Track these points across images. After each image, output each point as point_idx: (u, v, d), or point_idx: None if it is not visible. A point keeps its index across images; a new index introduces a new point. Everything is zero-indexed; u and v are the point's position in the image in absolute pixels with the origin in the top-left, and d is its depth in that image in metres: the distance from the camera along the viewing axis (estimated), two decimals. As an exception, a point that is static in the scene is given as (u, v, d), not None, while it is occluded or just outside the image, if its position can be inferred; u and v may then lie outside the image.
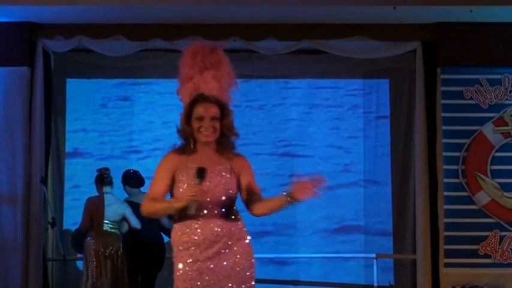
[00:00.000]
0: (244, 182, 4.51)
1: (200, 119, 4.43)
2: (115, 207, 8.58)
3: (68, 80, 9.85)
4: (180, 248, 4.42)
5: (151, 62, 9.13)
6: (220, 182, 4.42)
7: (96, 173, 8.72)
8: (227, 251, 4.43)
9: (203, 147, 4.48)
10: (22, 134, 8.79)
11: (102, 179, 8.64)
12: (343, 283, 9.70)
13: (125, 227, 8.64)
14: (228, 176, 4.45)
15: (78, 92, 9.93)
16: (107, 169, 8.71)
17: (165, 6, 8.42)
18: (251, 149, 9.66)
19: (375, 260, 9.32)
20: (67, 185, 9.69)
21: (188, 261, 4.39)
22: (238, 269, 4.44)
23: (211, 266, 4.39)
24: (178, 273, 4.42)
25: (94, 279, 8.42)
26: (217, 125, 4.45)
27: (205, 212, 4.39)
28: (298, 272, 9.74)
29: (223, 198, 4.41)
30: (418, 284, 8.94)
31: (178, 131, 4.52)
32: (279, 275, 9.68)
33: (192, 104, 4.49)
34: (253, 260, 4.52)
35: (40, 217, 8.81)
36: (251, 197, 4.52)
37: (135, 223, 8.59)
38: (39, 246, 8.79)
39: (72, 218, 9.36)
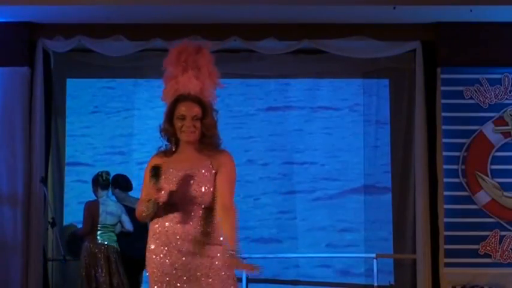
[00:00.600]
0: (217, 182, 4.45)
1: (182, 118, 4.43)
2: (114, 211, 8.69)
3: (68, 79, 9.86)
4: (153, 237, 4.41)
5: (151, 62, 9.10)
6: (194, 179, 4.41)
7: (95, 176, 8.78)
8: (204, 251, 4.39)
9: (185, 147, 4.49)
10: (22, 134, 8.80)
11: (100, 182, 8.71)
12: (343, 283, 9.70)
13: (118, 228, 8.74)
14: (206, 173, 4.43)
15: (78, 91, 9.93)
16: (107, 173, 8.77)
17: (165, 6, 8.44)
18: (247, 153, 9.69)
19: (374, 260, 9.29)
20: (67, 184, 9.71)
21: (162, 254, 4.39)
22: (216, 267, 4.40)
23: (187, 262, 4.37)
24: (152, 267, 4.41)
25: (93, 283, 8.46)
26: (198, 124, 4.44)
27: (182, 206, 4.39)
28: (298, 272, 9.73)
29: (198, 194, 4.39)
30: (418, 283, 8.92)
31: (161, 131, 4.53)
32: (278, 275, 9.69)
33: (174, 103, 4.48)
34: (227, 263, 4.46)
35: (40, 217, 8.81)
36: (217, 200, 4.44)
37: (128, 226, 8.71)
38: (39, 246, 8.80)
39: (72, 218, 9.41)
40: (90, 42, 8.89)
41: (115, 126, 9.93)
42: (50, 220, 8.74)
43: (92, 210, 8.59)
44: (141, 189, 4.52)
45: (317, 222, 9.82)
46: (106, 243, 8.59)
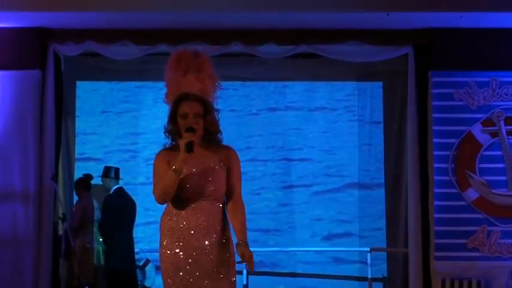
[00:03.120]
0: (229, 179, 4.69)
1: (185, 116, 4.58)
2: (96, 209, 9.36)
3: (78, 82, 10.00)
4: (167, 232, 4.60)
5: (156, 66, 9.04)
6: (206, 174, 4.58)
7: (86, 179, 9.23)
8: (211, 242, 4.58)
9: None
10: (34, 134, 8.82)
11: (89, 185, 9.23)
12: (338, 275, 9.84)
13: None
14: (217, 168, 4.62)
15: (87, 93, 10.10)
16: (91, 176, 9.26)
17: (170, 13, 8.45)
18: (248, 151, 9.93)
19: (369, 253, 9.46)
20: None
21: (176, 249, 4.56)
22: (219, 260, 4.60)
23: (196, 256, 4.55)
24: (166, 262, 4.59)
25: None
26: (200, 122, 4.58)
27: (195, 201, 4.57)
28: (296, 265, 9.91)
29: (210, 188, 4.59)
30: (410, 276, 8.94)
31: (166, 131, 4.69)
32: (276, 268, 9.92)
33: (176, 103, 4.63)
34: (233, 254, 4.68)
35: (51, 212, 8.87)
36: (229, 195, 4.73)
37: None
38: (50, 241, 8.85)
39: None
40: (99, 46, 8.89)
41: (123, 126, 10.12)
42: (61, 216, 8.94)
43: (87, 208, 9.22)
44: (157, 181, 4.60)
45: (314, 215, 10.01)
46: (89, 238, 9.33)
